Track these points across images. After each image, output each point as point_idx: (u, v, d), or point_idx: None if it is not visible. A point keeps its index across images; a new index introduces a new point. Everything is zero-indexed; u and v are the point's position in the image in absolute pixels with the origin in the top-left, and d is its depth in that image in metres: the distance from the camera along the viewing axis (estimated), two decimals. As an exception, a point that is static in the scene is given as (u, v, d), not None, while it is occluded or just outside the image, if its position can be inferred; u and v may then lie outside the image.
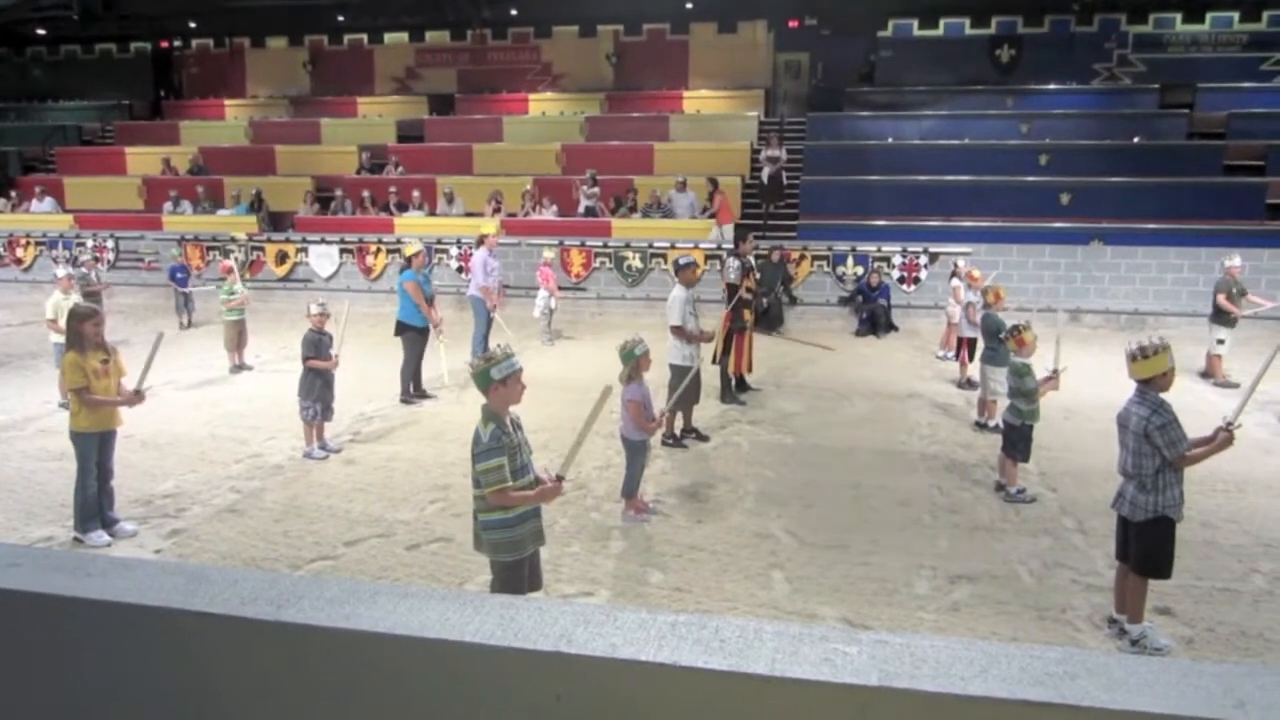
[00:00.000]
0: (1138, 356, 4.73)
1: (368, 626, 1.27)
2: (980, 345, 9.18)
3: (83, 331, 5.98)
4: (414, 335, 9.77)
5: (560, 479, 4.15)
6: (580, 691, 1.21)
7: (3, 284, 17.83)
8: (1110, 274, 14.26)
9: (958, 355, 10.78)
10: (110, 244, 17.86)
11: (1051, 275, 14.35)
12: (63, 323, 9.21)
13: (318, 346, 7.96)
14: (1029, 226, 15.30)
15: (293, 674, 1.31)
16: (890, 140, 18.44)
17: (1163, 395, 4.71)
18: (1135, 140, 17.10)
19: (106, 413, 6.09)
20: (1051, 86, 19.69)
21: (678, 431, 8.36)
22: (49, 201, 19.60)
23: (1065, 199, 15.98)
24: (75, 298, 9.73)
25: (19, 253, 18.37)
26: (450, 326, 13.14)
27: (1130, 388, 4.87)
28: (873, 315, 14.05)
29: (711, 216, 16.15)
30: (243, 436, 8.52)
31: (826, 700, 1.14)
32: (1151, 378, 4.71)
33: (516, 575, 4.29)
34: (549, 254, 13.95)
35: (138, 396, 6.09)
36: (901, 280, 14.79)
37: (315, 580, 1.43)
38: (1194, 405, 8.64)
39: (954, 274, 12.00)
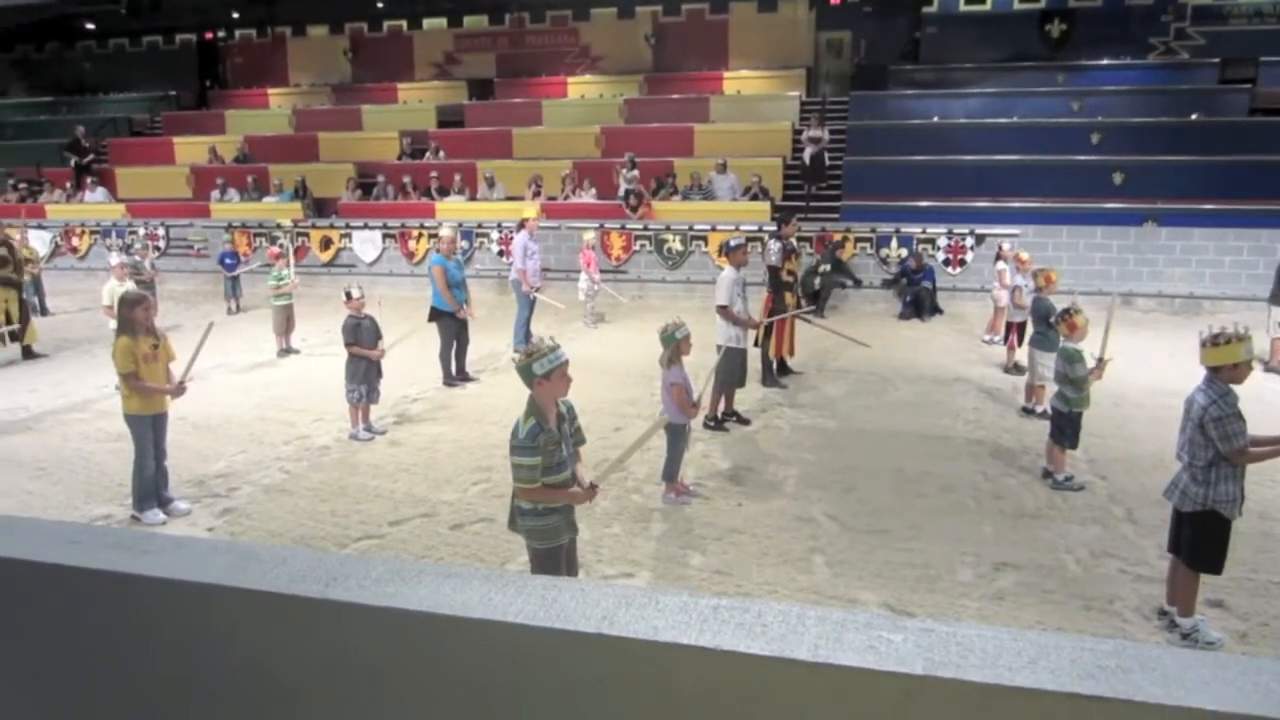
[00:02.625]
0: (1208, 343, 4.56)
1: (412, 606, 1.28)
2: (1030, 329, 9.02)
3: (133, 317, 6.12)
4: (447, 320, 9.84)
5: (595, 487, 4.18)
6: (622, 673, 1.22)
7: (61, 272, 18.28)
8: (1165, 256, 13.88)
9: (1006, 339, 10.59)
10: (161, 232, 18.24)
11: (1102, 258, 14.01)
12: (118, 309, 9.48)
13: (356, 332, 8.05)
14: (1080, 207, 14.94)
15: (338, 651, 1.33)
16: (936, 119, 18.11)
17: (1233, 387, 4.54)
18: (1194, 117, 16.57)
19: (156, 396, 6.25)
20: (1105, 62, 19.15)
21: (719, 414, 8.34)
22: (101, 191, 20.05)
23: (1118, 179, 15.57)
24: (129, 285, 9.95)
25: (75, 241, 18.84)
26: (491, 310, 13.25)
27: (1187, 373, 4.73)
28: (917, 298, 13.86)
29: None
30: (290, 419, 8.68)
31: (870, 687, 1.13)
32: (1219, 366, 4.52)
33: (553, 563, 4.26)
34: (589, 236, 13.95)
35: (180, 388, 6.27)
36: (947, 263, 14.56)
37: (361, 559, 1.45)
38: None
39: (999, 257, 11.78)
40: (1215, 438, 4.44)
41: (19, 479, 7.13)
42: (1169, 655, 1.15)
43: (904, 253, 14.59)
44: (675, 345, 6.39)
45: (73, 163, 20.60)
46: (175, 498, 6.51)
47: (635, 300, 15.16)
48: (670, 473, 6.57)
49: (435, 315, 9.89)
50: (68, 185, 20.55)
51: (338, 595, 1.31)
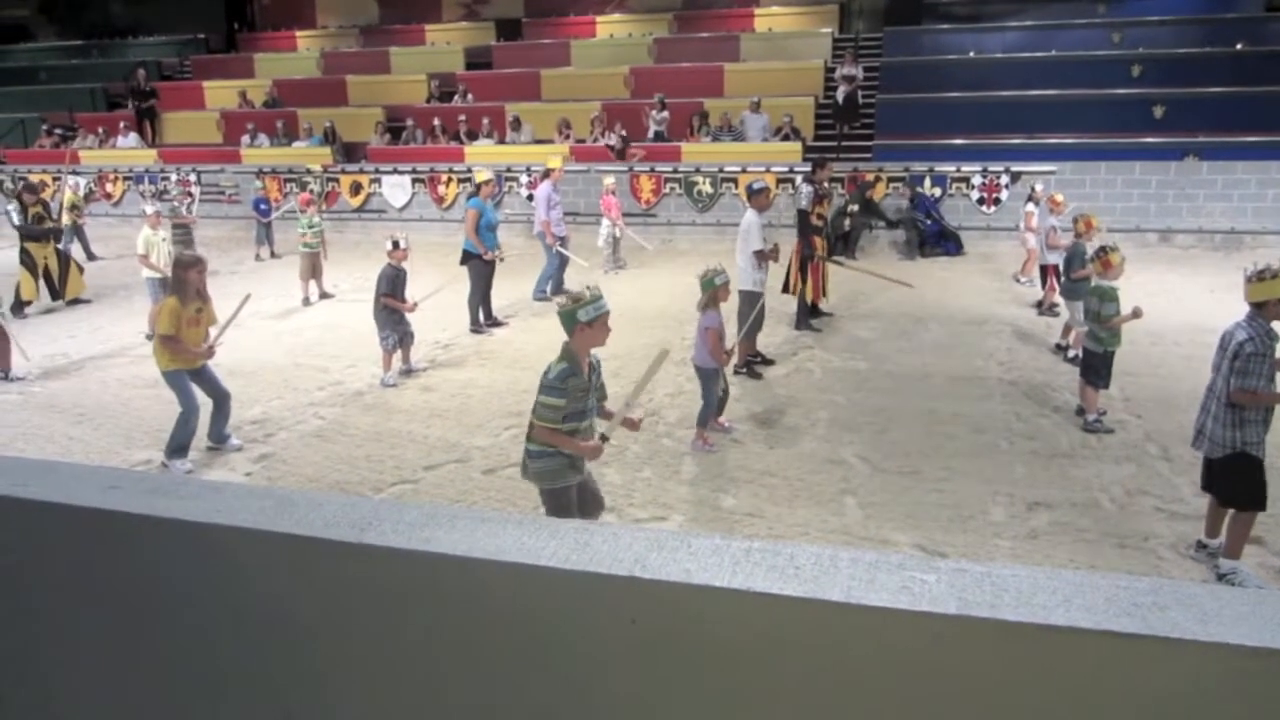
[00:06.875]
0: (1254, 278, 4.51)
1: (447, 550, 1.29)
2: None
3: (187, 279, 6.24)
4: (479, 264, 9.83)
5: (605, 439, 4.20)
6: (655, 616, 1.23)
7: (95, 219, 18.45)
8: (1205, 191, 13.48)
9: (1044, 282, 10.37)
10: (193, 178, 18.30)
11: (1141, 194, 13.64)
12: (154, 258, 9.59)
13: (394, 282, 8.07)
14: (1118, 142, 14.52)
15: (374, 595, 1.36)
16: (972, 54, 17.60)
17: (1275, 325, 4.48)
18: (1238, 47, 15.98)
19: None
20: (1148, -10, 18.50)
21: (746, 359, 8.30)
22: (133, 137, 20.11)
23: (1159, 112, 15.09)
24: (164, 233, 10.05)
25: (108, 188, 18.98)
26: (521, 255, 13.23)
27: (1226, 310, 4.66)
28: (919, 235, 13.69)
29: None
30: (324, 364, 8.78)
31: (903, 628, 1.13)
32: (1264, 302, 4.48)
33: (563, 502, 4.29)
34: (609, 181, 13.77)
35: (210, 351, 6.42)
36: (981, 201, 14.28)
37: (396, 504, 1.46)
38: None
39: (1030, 198, 11.51)
40: (1238, 370, 4.40)
41: (61, 424, 7.31)
42: (1206, 592, 1.14)
43: (938, 192, 14.31)
44: (713, 291, 6.38)
45: (131, 106, 20.56)
46: (230, 434, 6.74)
47: (665, 244, 15.05)
48: (704, 418, 6.57)
49: (466, 258, 9.89)
50: (100, 130, 20.61)
51: (373, 540, 1.33)
